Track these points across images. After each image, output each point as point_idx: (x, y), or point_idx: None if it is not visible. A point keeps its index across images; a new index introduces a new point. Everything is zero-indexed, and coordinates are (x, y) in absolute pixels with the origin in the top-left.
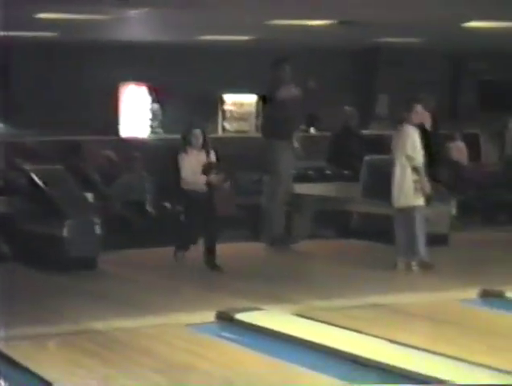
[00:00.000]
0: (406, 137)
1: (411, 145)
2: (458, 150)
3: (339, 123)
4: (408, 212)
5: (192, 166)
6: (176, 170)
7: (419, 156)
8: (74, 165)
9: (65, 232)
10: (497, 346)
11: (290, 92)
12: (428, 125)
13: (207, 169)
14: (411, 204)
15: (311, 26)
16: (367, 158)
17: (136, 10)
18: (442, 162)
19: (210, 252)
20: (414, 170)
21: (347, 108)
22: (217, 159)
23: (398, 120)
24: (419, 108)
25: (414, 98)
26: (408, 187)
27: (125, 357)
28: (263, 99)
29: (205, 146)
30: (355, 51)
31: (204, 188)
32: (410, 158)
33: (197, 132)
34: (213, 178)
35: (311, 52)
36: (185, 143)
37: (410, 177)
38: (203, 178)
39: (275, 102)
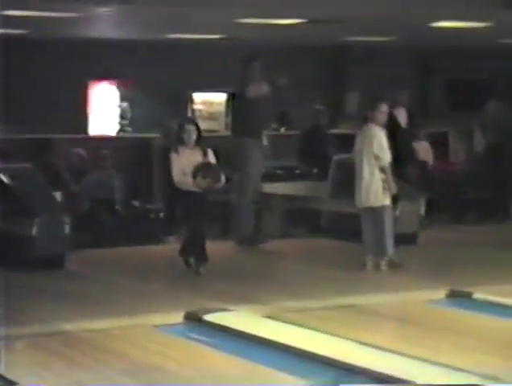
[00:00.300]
0: (372, 136)
1: (378, 144)
2: (423, 149)
3: (310, 122)
4: (376, 212)
5: (183, 166)
6: (166, 169)
7: (385, 155)
8: (44, 163)
9: (34, 231)
10: (464, 347)
11: (259, 89)
12: (404, 122)
13: (196, 171)
14: (380, 204)
15: (282, 25)
16: (335, 157)
17: (106, 7)
18: (411, 161)
19: (187, 250)
20: (381, 169)
21: (317, 106)
22: (217, 159)
23: (362, 119)
24: (384, 107)
25: (379, 97)
26: (377, 187)
27: (94, 359)
28: (233, 97)
29: (199, 144)
30: (325, 50)
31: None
32: (377, 158)
33: (190, 128)
34: (200, 182)
35: (283, 50)
36: (176, 141)
37: (378, 176)
38: (191, 181)
39: (245, 100)
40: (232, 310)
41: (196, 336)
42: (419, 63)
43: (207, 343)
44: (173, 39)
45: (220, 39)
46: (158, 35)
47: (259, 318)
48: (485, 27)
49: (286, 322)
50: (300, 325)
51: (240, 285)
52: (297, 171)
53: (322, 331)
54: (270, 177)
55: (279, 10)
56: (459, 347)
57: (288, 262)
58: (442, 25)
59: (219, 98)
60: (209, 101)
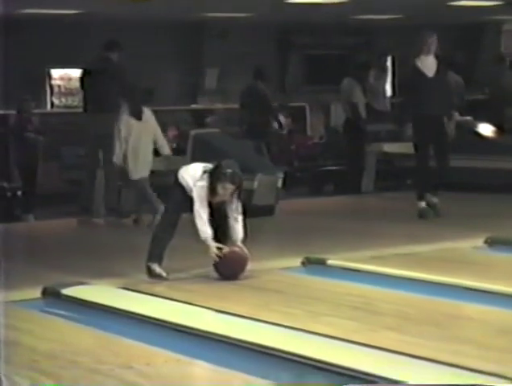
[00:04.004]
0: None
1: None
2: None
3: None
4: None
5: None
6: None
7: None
8: None
9: None
10: (317, 312)
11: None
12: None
13: None
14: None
15: (138, 0)
16: (193, 132)
17: None
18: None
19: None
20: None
21: None
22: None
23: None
24: None
25: None
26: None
27: None
28: (88, 73)
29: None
30: (184, 26)
31: None
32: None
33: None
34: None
35: (143, 26)
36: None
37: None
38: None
39: (96, 76)
40: (90, 284)
41: (55, 310)
42: (276, 39)
43: (65, 317)
44: (28, 14)
45: (77, 14)
46: (13, 10)
47: (118, 290)
48: (340, 3)
49: (145, 293)
50: (160, 296)
51: (98, 259)
52: None
53: (181, 301)
54: None
55: None
56: (312, 312)
57: (148, 236)
58: (297, 1)
59: (77, 74)
60: (68, 77)
